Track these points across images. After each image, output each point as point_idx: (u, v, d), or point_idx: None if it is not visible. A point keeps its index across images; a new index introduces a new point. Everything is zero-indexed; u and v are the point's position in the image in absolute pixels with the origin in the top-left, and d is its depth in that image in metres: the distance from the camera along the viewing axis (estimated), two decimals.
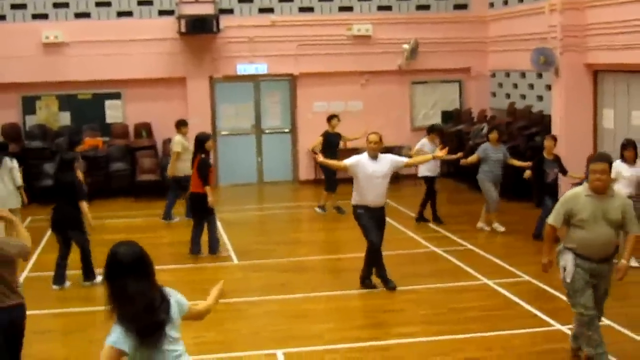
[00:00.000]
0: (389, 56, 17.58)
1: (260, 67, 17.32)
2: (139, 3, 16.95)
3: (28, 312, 6.12)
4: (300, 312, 8.76)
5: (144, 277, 4.19)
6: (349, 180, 9.65)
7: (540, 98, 15.84)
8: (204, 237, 11.19)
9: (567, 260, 6.66)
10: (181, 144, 13.33)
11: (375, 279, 9.48)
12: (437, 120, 17.78)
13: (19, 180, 11.44)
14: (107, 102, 17.21)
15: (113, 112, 17.24)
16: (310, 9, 17.53)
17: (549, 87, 14.97)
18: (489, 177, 12.32)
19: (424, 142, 12.97)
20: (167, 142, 16.02)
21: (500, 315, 8.42)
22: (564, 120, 13.89)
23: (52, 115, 16.98)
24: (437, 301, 9.00)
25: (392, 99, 17.99)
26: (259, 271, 10.54)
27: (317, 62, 17.40)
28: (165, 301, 4.25)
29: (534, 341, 7.60)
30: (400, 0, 17.80)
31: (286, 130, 17.97)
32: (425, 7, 17.94)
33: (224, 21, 16.94)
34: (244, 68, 17.25)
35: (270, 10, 17.36)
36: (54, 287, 9.79)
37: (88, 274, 9.91)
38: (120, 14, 16.92)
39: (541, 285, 9.32)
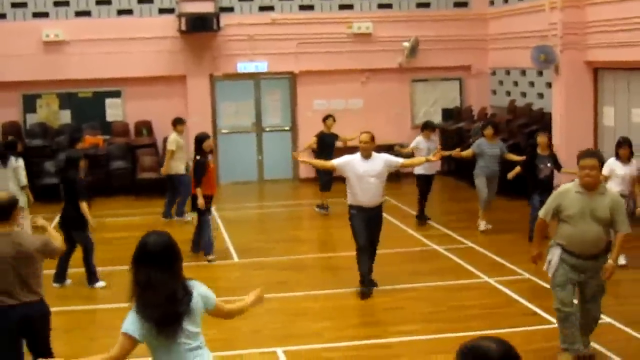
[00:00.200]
0: (389, 54, 17.57)
1: (260, 65, 17.31)
2: (139, 1, 16.94)
3: None
4: (300, 310, 8.78)
5: (169, 268, 4.24)
6: (344, 179, 9.59)
7: (540, 96, 15.84)
8: None
9: (554, 255, 6.71)
10: (176, 142, 13.23)
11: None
12: (437, 118, 17.76)
13: (23, 180, 11.27)
14: (108, 101, 17.21)
15: (113, 110, 17.24)
16: (310, 7, 17.52)
17: (549, 85, 14.97)
18: (484, 172, 12.22)
19: (419, 140, 12.82)
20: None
21: (501, 313, 8.43)
22: (564, 117, 13.89)
23: (52, 113, 16.98)
24: (437, 299, 9.01)
25: (393, 97, 17.97)
26: (259, 269, 10.55)
27: (318, 60, 17.39)
28: (187, 294, 4.27)
29: (534, 339, 7.59)
30: None
31: (286, 128, 17.97)
32: (426, 5, 17.92)
33: (224, 19, 16.94)
34: (244, 66, 17.25)
35: (270, 8, 17.36)
36: (55, 285, 9.78)
37: (90, 277, 9.84)
38: (121, 12, 16.92)
39: (541, 283, 9.29)
